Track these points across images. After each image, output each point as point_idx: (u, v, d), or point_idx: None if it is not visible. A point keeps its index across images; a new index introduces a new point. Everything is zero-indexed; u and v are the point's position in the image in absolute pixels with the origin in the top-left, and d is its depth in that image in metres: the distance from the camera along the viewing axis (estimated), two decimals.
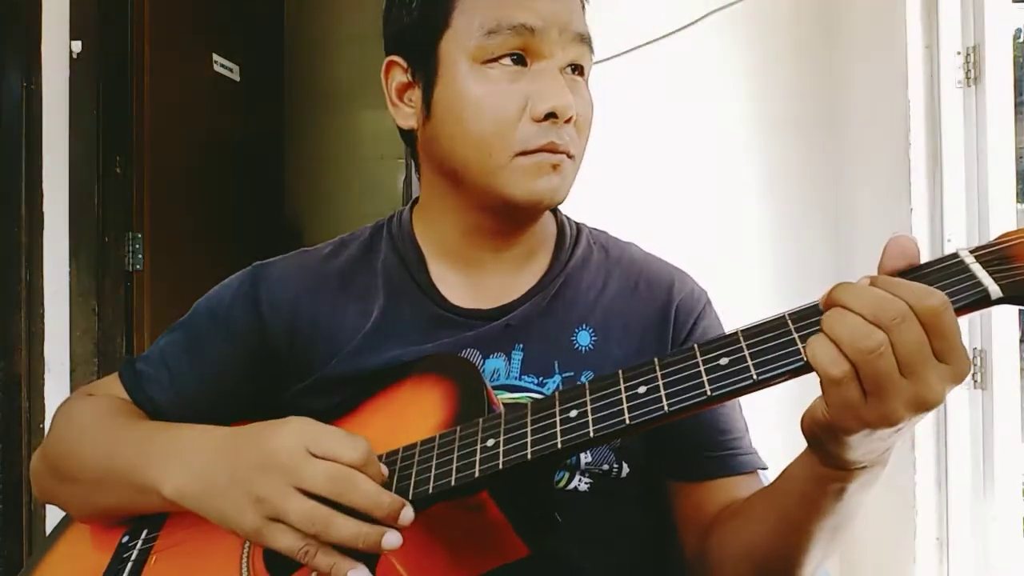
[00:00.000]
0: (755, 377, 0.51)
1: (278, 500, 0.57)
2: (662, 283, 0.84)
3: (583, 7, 0.78)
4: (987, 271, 0.48)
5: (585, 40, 0.75)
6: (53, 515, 1.91)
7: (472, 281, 0.81)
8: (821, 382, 0.49)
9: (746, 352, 0.52)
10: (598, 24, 0.80)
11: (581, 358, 0.78)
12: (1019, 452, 1.53)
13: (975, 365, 1.54)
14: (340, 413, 0.75)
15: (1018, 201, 1.58)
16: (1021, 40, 1.73)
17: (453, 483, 0.57)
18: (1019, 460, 1.54)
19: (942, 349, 0.47)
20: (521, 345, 0.78)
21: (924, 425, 1.58)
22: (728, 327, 0.71)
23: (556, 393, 0.59)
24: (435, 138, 0.76)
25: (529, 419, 0.58)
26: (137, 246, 2.10)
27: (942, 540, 1.59)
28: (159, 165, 2.17)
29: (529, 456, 0.56)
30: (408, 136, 0.81)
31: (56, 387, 2.01)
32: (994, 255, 0.49)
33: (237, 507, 0.59)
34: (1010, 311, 1.49)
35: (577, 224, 0.88)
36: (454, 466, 0.58)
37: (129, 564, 0.73)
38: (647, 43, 1.86)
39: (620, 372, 0.57)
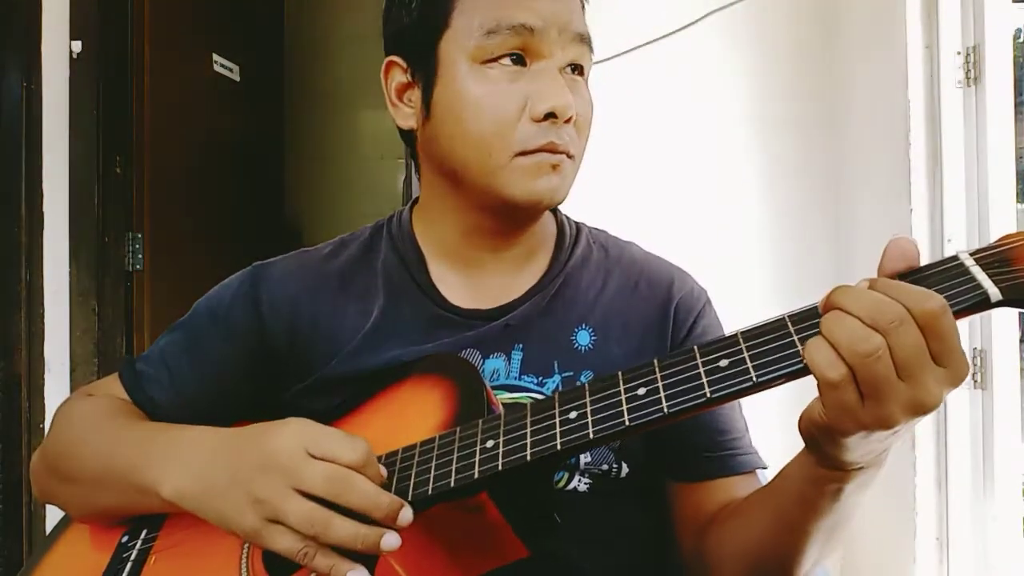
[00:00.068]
0: (755, 379, 0.51)
1: (277, 501, 0.57)
2: (662, 282, 0.84)
3: (583, 7, 0.78)
4: (987, 274, 0.48)
5: (585, 40, 0.75)
6: (53, 515, 1.91)
7: (472, 281, 0.81)
8: (818, 384, 0.49)
9: (746, 354, 0.52)
10: (598, 24, 0.80)
11: (581, 358, 0.78)
12: (1019, 452, 1.53)
13: (975, 365, 1.54)
14: (340, 413, 0.75)
15: (1018, 201, 1.58)
16: (1021, 40, 1.73)
17: (452, 484, 0.57)
18: (1019, 460, 1.54)
19: (940, 352, 0.47)
20: (521, 345, 0.78)
21: (924, 425, 1.58)
22: (728, 327, 0.71)
23: (555, 394, 0.59)
24: (435, 138, 0.76)
25: (528, 420, 0.58)
26: (137, 246, 2.10)
27: (942, 540, 1.59)
28: (159, 165, 2.17)
29: (528, 457, 0.56)
30: (408, 136, 0.81)
31: (56, 387, 2.01)
32: (994, 258, 0.49)
33: (236, 508, 0.59)
34: (1010, 311, 1.49)
35: (577, 224, 0.88)
36: (453, 467, 0.58)
37: (128, 564, 0.73)
38: (647, 43, 1.86)
39: (620, 374, 0.57)
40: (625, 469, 0.76)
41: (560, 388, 0.77)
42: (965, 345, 1.53)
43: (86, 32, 2.01)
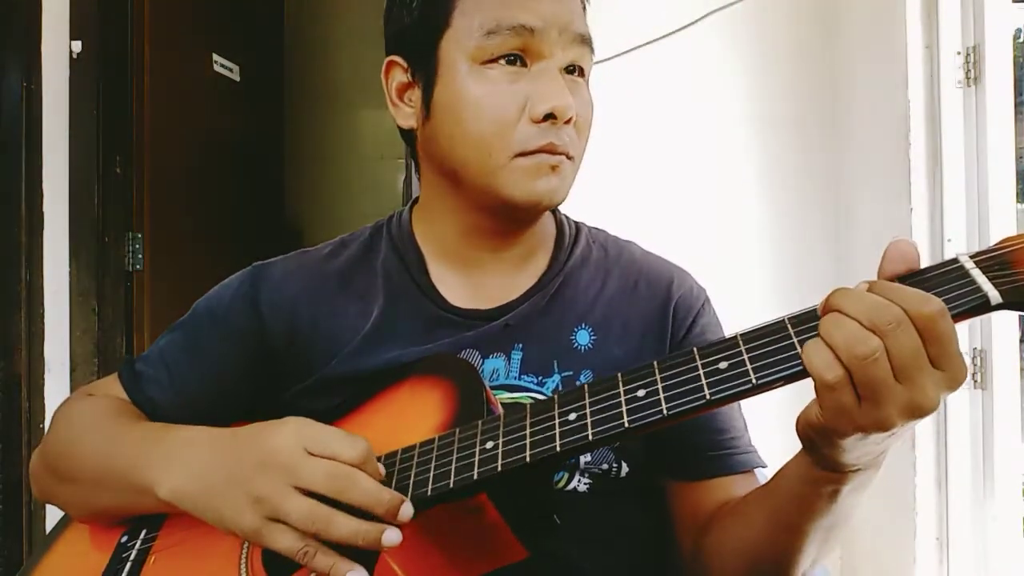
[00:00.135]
0: (754, 381, 0.51)
1: (277, 500, 0.57)
2: (661, 281, 0.84)
3: (584, 8, 0.78)
4: (987, 276, 0.48)
5: (586, 41, 0.75)
6: (53, 515, 1.91)
7: (471, 281, 0.81)
8: (815, 386, 0.49)
9: (745, 356, 0.52)
10: (598, 24, 0.80)
11: (580, 357, 0.78)
12: (1019, 452, 1.53)
13: (975, 365, 1.54)
14: (340, 414, 0.75)
15: (1018, 201, 1.58)
16: (1021, 40, 1.73)
17: (451, 485, 0.57)
18: (1019, 460, 1.54)
19: (937, 356, 0.47)
20: (520, 345, 0.78)
21: (924, 425, 1.58)
22: (728, 327, 0.71)
23: (555, 396, 0.59)
24: (434, 138, 0.76)
25: (528, 421, 0.58)
26: (137, 246, 2.10)
27: (942, 540, 1.59)
28: (159, 165, 2.17)
29: (528, 459, 0.56)
30: (408, 136, 0.81)
31: (56, 387, 2.01)
32: (994, 260, 0.49)
33: (236, 507, 0.59)
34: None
35: (576, 223, 0.88)
36: (452, 468, 0.58)
37: (128, 564, 0.73)
38: (647, 43, 1.86)
39: (619, 375, 0.57)
40: (625, 468, 0.76)
41: (560, 388, 0.77)
42: (965, 345, 1.54)
43: (86, 32, 2.01)
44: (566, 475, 0.74)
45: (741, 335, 0.53)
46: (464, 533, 0.61)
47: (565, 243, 0.84)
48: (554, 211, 0.86)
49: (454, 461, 0.59)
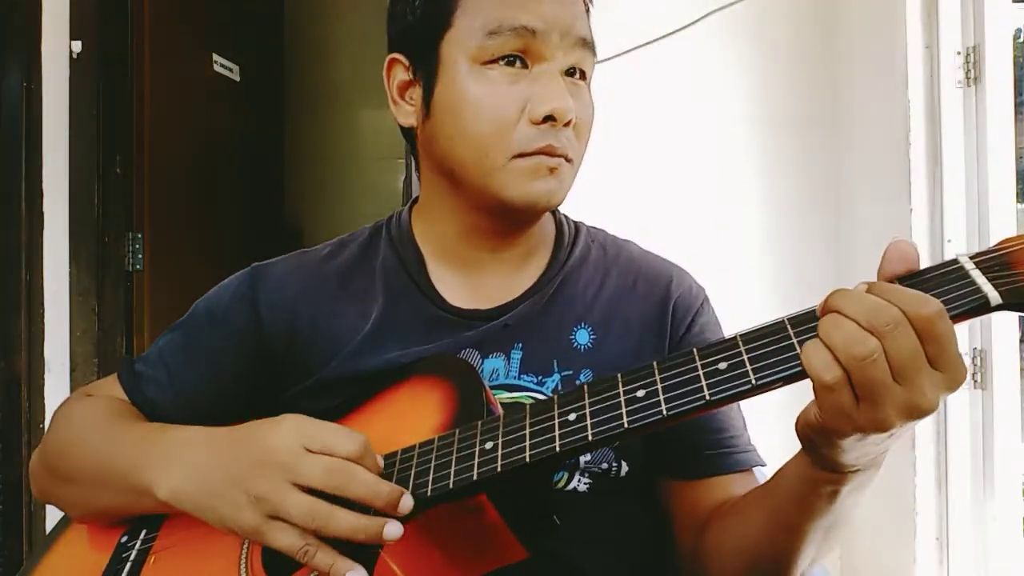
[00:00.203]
0: (754, 382, 0.51)
1: (277, 497, 0.57)
2: (660, 280, 0.84)
3: (587, 11, 0.78)
4: (987, 277, 0.48)
5: (587, 45, 0.75)
6: (53, 515, 1.91)
7: (471, 281, 0.81)
8: (814, 387, 0.49)
9: (745, 357, 0.52)
10: (598, 24, 0.79)
11: (580, 356, 0.78)
12: (1019, 452, 1.53)
13: (975, 365, 1.54)
14: (339, 414, 0.75)
15: (1018, 201, 1.58)
16: (1021, 40, 1.73)
17: (451, 486, 0.57)
18: (1019, 460, 1.54)
19: (936, 357, 0.47)
20: (520, 344, 0.78)
21: (924, 425, 1.58)
22: (728, 326, 0.71)
23: (554, 396, 0.59)
24: (434, 137, 0.76)
25: (527, 422, 0.58)
26: (137, 246, 2.10)
27: (942, 540, 1.59)
28: (159, 165, 2.17)
29: (527, 459, 0.56)
30: (408, 134, 0.81)
31: (56, 387, 2.01)
32: (994, 261, 0.49)
33: (235, 506, 0.59)
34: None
35: (575, 223, 0.88)
36: (452, 468, 0.58)
37: (128, 564, 0.73)
38: (647, 43, 1.86)
39: (619, 375, 0.57)
40: (625, 468, 0.76)
41: (559, 387, 0.77)
42: (965, 345, 1.54)
43: (86, 32, 2.01)
44: (566, 475, 0.74)
45: (741, 336, 0.53)
46: (464, 533, 0.61)
47: (565, 243, 0.84)
48: (554, 211, 0.86)
49: (453, 461, 0.59)
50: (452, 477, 0.58)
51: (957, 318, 0.48)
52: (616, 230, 0.91)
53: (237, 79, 2.56)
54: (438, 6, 0.74)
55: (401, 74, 0.79)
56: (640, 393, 0.54)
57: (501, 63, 0.72)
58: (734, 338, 0.53)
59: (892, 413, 0.47)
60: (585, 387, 0.58)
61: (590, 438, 0.54)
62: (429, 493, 0.58)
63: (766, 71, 1.92)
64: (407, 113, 0.79)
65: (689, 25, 1.87)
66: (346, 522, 0.56)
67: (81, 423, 0.78)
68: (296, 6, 3.21)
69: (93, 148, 2.01)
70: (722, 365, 0.52)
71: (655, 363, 0.55)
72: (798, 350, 0.50)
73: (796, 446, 0.58)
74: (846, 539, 1.86)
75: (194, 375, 0.81)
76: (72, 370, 2.01)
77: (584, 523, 0.73)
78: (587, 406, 0.56)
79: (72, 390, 1.98)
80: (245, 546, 0.69)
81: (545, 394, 0.76)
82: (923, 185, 1.61)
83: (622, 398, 0.55)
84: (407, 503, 0.57)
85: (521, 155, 0.72)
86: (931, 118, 1.60)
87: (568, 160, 0.74)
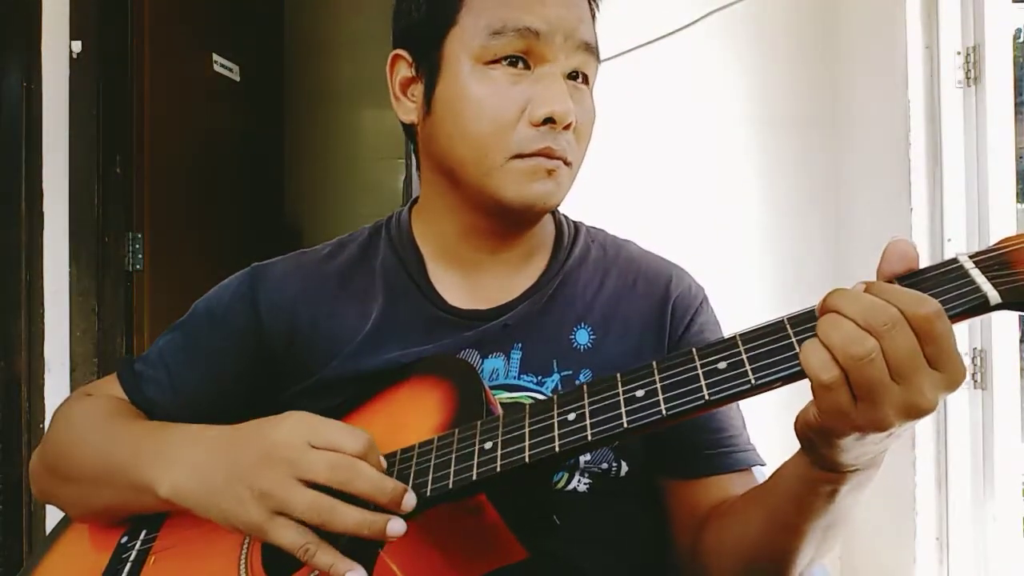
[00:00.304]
0: (753, 382, 0.51)
1: (282, 492, 0.57)
2: (659, 279, 0.84)
3: (593, 17, 0.78)
4: (986, 276, 0.48)
5: (591, 49, 0.75)
6: (53, 515, 1.91)
7: (470, 282, 0.81)
8: (812, 386, 0.49)
9: (744, 356, 0.52)
10: (598, 24, 0.80)
11: (580, 356, 0.78)
12: (1019, 452, 1.53)
13: (975, 365, 1.54)
14: (340, 414, 0.75)
15: (1018, 201, 1.58)
16: (1021, 40, 1.73)
17: (450, 486, 0.57)
18: (1019, 460, 1.54)
19: (935, 356, 0.47)
20: (520, 344, 0.78)
21: (924, 425, 1.58)
22: (727, 326, 0.71)
23: (554, 396, 0.59)
24: (434, 135, 0.76)
25: (527, 422, 0.58)
26: (137, 246, 2.10)
27: (942, 540, 1.59)
28: (159, 165, 2.17)
29: (527, 459, 0.56)
30: (409, 131, 0.82)
31: (56, 387, 2.01)
32: (993, 261, 0.49)
33: (239, 502, 0.59)
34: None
35: (575, 223, 0.89)
36: (451, 469, 0.58)
37: (128, 565, 0.73)
38: (647, 43, 1.86)
39: (618, 375, 0.57)
40: (625, 468, 0.76)
41: (559, 387, 0.77)
42: (965, 345, 1.54)
43: (86, 32, 2.01)
44: (566, 475, 0.74)
45: (740, 335, 0.53)
46: (463, 533, 0.61)
47: (564, 243, 0.84)
48: (553, 212, 0.86)
49: (453, 462, 0.59)
50: (451, 477, 0.58)
51: (957, 317, 0.48)
52: (616, 230, 0.91)
53: (237, 79, 2.56)
54: (443, 4, 0.74)
55: (404, 70, 0.79)
56: (639, 393, 0.54)
57: (503, 63, 0.72)
58: (733, 338, 0.53)
59: (891, 413, 0.47)
60: (584, 387, 0.58)
61: (589, 438, 0.54)
62: (428, 493, 0.58)
63: (766, 71, 1.92)
64: (408, 110, 0.79)
65: (689, 25, 1.87)
66: (350, 517, 0.56)
67: (81, 422, 0.78)
68: (296, 6, 3.21)
69: (93, 148, 2.01)
70: (721, 365, 0.52)
71: (654, 363, 0.55)
72: (797, 350, 0.50)
73: (795, 445, 0.57)
74: (846, 539, 1.86)
75: (194, 375, 0.81)
76: (72, 370, 2.01)
77: (584, 523, 0.73)
78: (586, 406, 0.56)
79: (72, 390, 1.98)
80: (245, 546, 0.69)
81: (545, 394, 0.76)
82: (923, 185, 1.61)
83: (621, 398, 0.55)
84: (410, 500, 0.57)
85: (520, 156, 0.72)
86: (931, 118, 1.60)
87: (567, 163, 0.74)
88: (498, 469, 0.56)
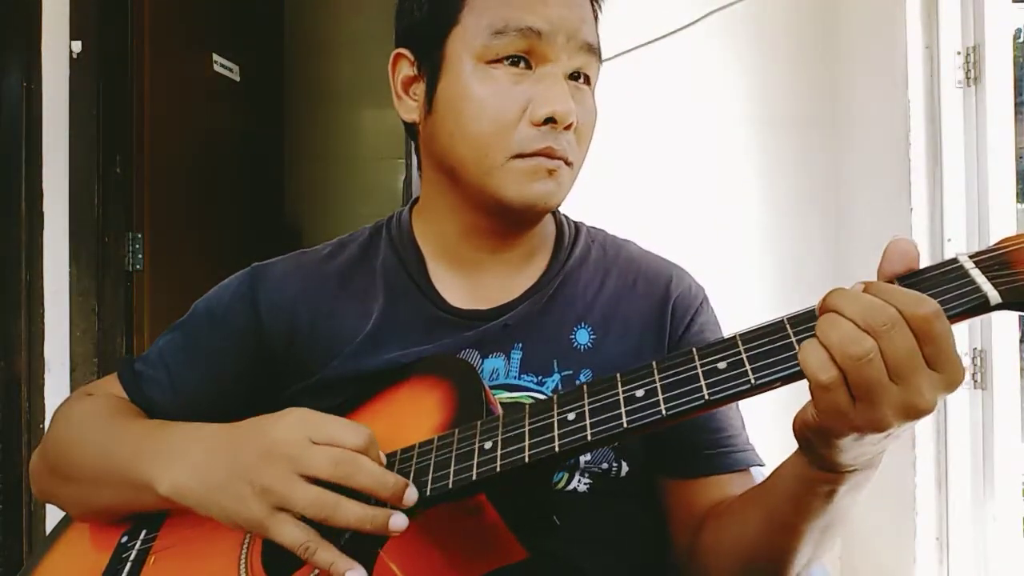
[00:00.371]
0: (753, 382, 0.51)
1: (284, 489, 0.57)
2: (660, 279, 0.84)
3: (596, 18, 0.78)
4: (986, 276, 0.48)
5: (593, 51, 0.75)
6: (53, 515, 1.91)
7: (471, 282, 0.81)
8: (810, 387, 0.49)
9: (744, 356, 0.52)
10: (599, 24, 0.80)
11: (580, 356, 0.78)
12: (1019, 452, 1.53)
13: (975, 365, 1.54)
14: (339, 414, 0.74)
15: (1018, 201, 1.58)
16: (1021, 40, 1.73)
17: (450, 486, 0.57)
18: (1019, 460, 1.54)
19: (933, 357, 0.47)
20: (520, 344, 0.78)
21: (924, 425, 1.58)
22: (727, 326, 0.71)
23: (554, 396, 0.59)
24: (435, 134, 0.76)
25: (527, 422, 0.58)
26: (137, 246, 2.10)
27: (942, 540, 1.59)
28: (159, 165, 2.17)
29: (527, 459, 0.56)
30: (411, 130, 0.82)
31: (56, 387, 2.01)
32: (994, 260, 0.49)
33: (241, 499, 0.59)
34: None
35: (576, 223, 0.89)
36: (451, 468, 0.58)
37: (128, 564, 0.73)
38: (647, 43, 1.86)
39: (618, 375, 0.57)
40: (625, 468, 0.76)
41: (559, 387, 0.77)
42: (965, 345, 1.54)
43: (86, 32, 2.01)
44: (566, 475, 0.74)
45: (740, 335, 0.53)
46: (463, 533, 0.61)
47: (565, 243, 0.84)
48: (554, 212, 0.86)
49: (453, 461, 0.59)
50: (451, 477, 0.58)
51: (957, 317, 0.48)
52: (616, 230, 0.91)
53: (237, 79, 2.56)
54: (446, 4, 0.74)
55: (406, 69, 0.79)
56: (639, 393, 0.54)
57: (505, 63, 0.72)
58: (733, 338, 0.53)
59: (889, 413, 0.47)
60: (584, 387, 0.58)
61: (589, 438, 0.54)
62: (428, 493, 0.58)
63: (766, 71, 1.92)
64: (410, 108, 0.79)
65: (689, 25, 1.87)
66: (352, 512, 0.56)
67: (81, 421, 0.78)
68: (296, 6, 3.22)
69: (93, 148, 2.01)
70: (721, 365, 0.52)
71: (654, 363, 0.55)
72: (797, 350, 0.50)
73: (794, 446, 0.57)
74: (846, 539, 1.86)
75: (194, 375, 0.81)
76: (72, 370, 2.01)
77: (584, 523, 0.73)
78: (586, 406, 0.56)
79: (72, 390, 1.98)
80: (245, 546, 0.69)
81: (545, 394, 0.76)
82: (923, 185, 1.61)
83: (621, 398, 0.55)
84: (412, 494, 0.57)
85: (520, 155, 0.72)
86: (931, 118, 1.60)
87: (568, 163, 0.74)
88: (498, 469, 0.56)
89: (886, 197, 1.71)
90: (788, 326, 0.51)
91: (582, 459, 0.75)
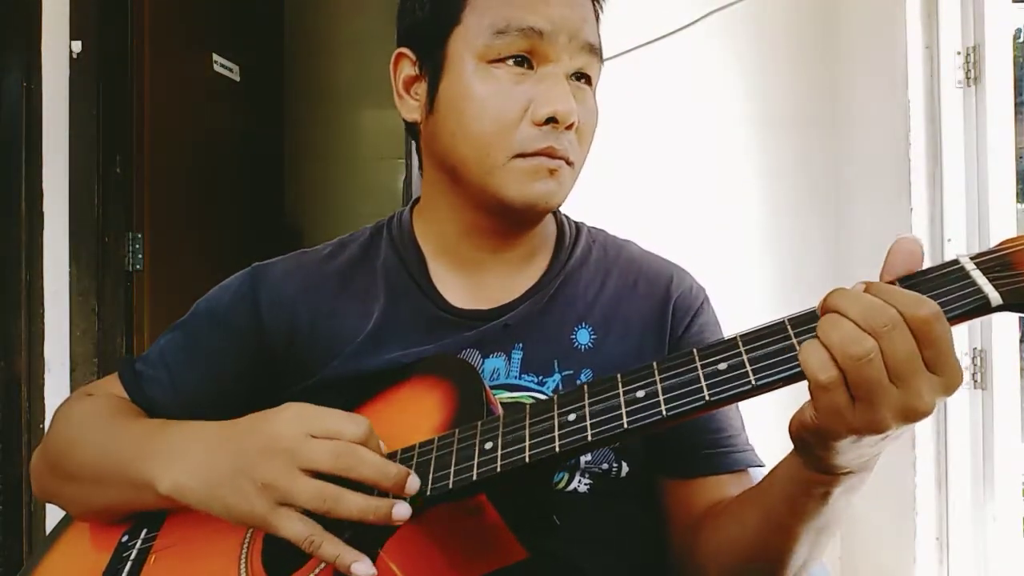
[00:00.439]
0: (753, 383, 0.51)
1: (286, 483, 0.57)
2: (660, 280, 0.84)
3: (597, 18, 0.78)
4: (987, 278, 0.48)
5: (594, 51, 0.75)
6: (53, 515, 1.91)
7: (471, 282, 0.81)
8: (810, 387, 0.49)
9: (745, 357, 0.52)
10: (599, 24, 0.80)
11: (581, 356, 0.78)
12: (1019, 452, 1.53)
13: (975, 365, 1.54)
14: None
15: (1018, 201, 1.58)
16: (1021, 40, 1.73)
17: (450, 486, 0.57)
18: (1019, 460, 1.54)
19: (932, 359, 0.47)
20: (520, 344, 0.78)
21: (924, 425, 1.58)
22: (727, 326, 0.71)
23: (554, 396, 0.59)
24: (436, 133, 0.76)
25: (527, 422, 0.58)
26: (137, 246, 2.10)
27: (942, 540, 1.59)
28: (159, 165, 2.17)
29: (527, 459, 0.56)
30: (412, 129, 0.82)
31: (56, 387, 2.01)
32: (995, 262, 0.49)
33: (243, 495, 0.59)
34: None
35: (576, 223, 0.89)
36: (451, 468, 0.58)
37: (128, 564, 0.73)
38: (647, 43, 1.86)
39: (619, 376, 0.57)
40: (625, 468, 0.76)
41: (560, 387, 0.77)
42: (965, 345, 1.54)
43: (86, 32, 2.01)
44: (566, 476, 0.74)
45: (741, 336, 0.53)
46: (463, 533, 0.61)
47: (566, 243, 0.85)
48: (555, 212, 0.86)
49: (453, 462, 0.59)
50: (451, 477, 0.58)
51: (958, 318, 0.48)
52: (616, 230, 0.91)
53: (237, 79, 2.56)
54: (448, 3, 0.74)
55: (408, 69, 0.79)
56: (640, 393, 0.54)
57: (507, 63, 0.72)
58: (734, 338, 0.53)
59: (888, 414, 0.47)
60: (585, 387, 0.58)
61: (589, 438, 0.54)
62: (428, 493, 0.58)
63: (766, 71, 1.92)
64: (411, 108, 0.79)
65: (689, 25, 1.86)
66: (355, 504, 0.56)
67: (82, 421, 0.78)
68: (296, 6, 3.22)
69: (93, 148, 2.01)
70: (722, 366, 0.52)
71: (655, 363, 0.55)
72: (798, 351, 0.50)
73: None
74: (846, 539, 1.86)
75: (195, 375, 0.81)
76: (72, 370, 2.01)
77: (584, 523, 0.73)
78: (587, 406, 0.56)
79: (72, 390, 1.98)
80: (245, 545, 0.69)
81: (545, 394, 0.76)
82: (923, 185, 1.61)
83: (622, 398, 0.55)
84: (414, 483, 0.57)
85: (522, 155, 0.72)
86: (931, 118, 1.60)
87: (569, 163, 0.74)
88: (498, 469, 0.56)
89: (886, 197, 1.71)
90: (789, 327, 0.51)
91: (582, 459, 0.75)
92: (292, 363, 0.80)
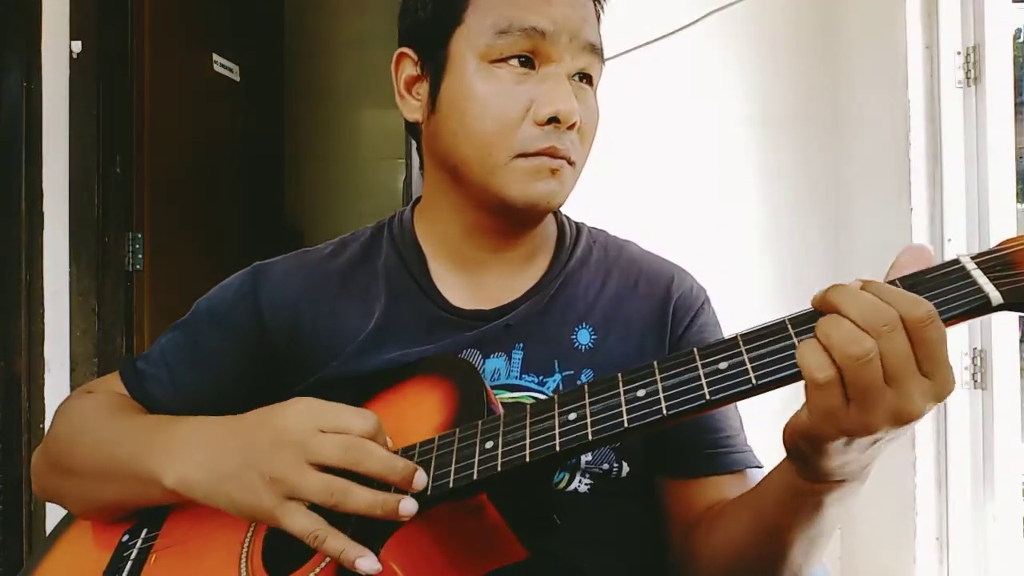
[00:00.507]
0: (754, 382, 0.51)
1: (294, 477, 0.57)
2: (661, 280, 0.84)
3: (598, 18, 0.78)
4: (988, 277, 0.48)
5: (596, 51, 0.75)
6: (53, 515, 1.91)
7: (472, 282, 0.81)
8: (806, 386, 0.49)
9: (745, 357, 0.52)
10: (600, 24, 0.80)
11: (581, 356, 0.78)
12: (1019, 452, 1.53)
13: (975, 365, 1.54)
14: None
15: (1018, 201, 1.58)
16: (1021, 40, 1.73)
17: (451, 485, 0.58)
18: (1019, 460, 1.54)
19: (925, 361, 0.47)
20: (521, 344, 0.78)
21: (924, 425, 1.58)
22: (727, 326, 0.71)
23: (555, 396, 0.59)
24: (438, 133, 0.76)
25: (528, 421, 0.58)
26: (137, 246, 2.10)
27: (942, 540, 1.59)
28: (159, 165, 2.17)
29: (528, 458, 0.56)
30: (413, 129, 0.82)
31: (56, 387, 2.01)
32: (995, 261, 0.49)
33: (250, 489, 0.59)
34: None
35: (577, 224, 0.89)
36: (452, 468, 0.58)
37: (129, 563, 0.73)
38: (647, 43, 1.86)
39: (619, 375, 0.57)
40: (626, 468, 0.76)
41: (561, 387, 0.77)
42: (965, 345, 1.54)
43: (86, 32, 2.01)
44: (567, 475, 0.75)
45: (741, 335, 0.53)
46: (464, 533, 0.61)
47: (566, 244, 0.85)
48: (555, 212, 0.86)
49: (454, 461, 0.59)
50: (452, 476, 0.58)
51: (959, 318, 0.48)
52: (616, 230, 0.91)
53: (237, 79, 2.56)
54: (450, 3, 0.75)
55: (409, 68, 0.79)
56: (640, 393, 0.54)
57: (509, 62, 0.72)
58: (735, 338, 0.53)
59: (880, 417, 0.47)
60: (585, 387, 0.58)
61: (590, 438, 0.54)
62: (429, 492, 0.58)
63: (766, 71, 1.92)
64: (413, 108, 0.79)
65: (689, 25, 1.86)
66: (363, 498, 0.56)
67: (83, 417, 0.78)
68: (296, 6, 3.22)
69: (93, 148, 2.01)
70: (722, 365, 0.52)
71: (655, 363, 0.56)
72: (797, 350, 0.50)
73: None
74: (846, 539, 1.86)
75: (195, 374, 0.81)
76: (72, 370, 2.01)
77: (585, 523, 0.73)
78: (587, 406, 0.56)
79: (72, 390, 1.98)
80: (245, 545, 0.69)
81: (546, 394, 0.76)
82: (923, 185, 1.61)
83: (622, 398, 0.55)
84: (421, 478, 0.57)
85: (523, 155, 0.72)
86: (931, 118, 1.60)
87: (571, 163, 0.74)
88: (499, 468, 0.56)
89: (886, 197, 1.71)
90: (789, 326, 0.52)
91: (583, 459, 0.75)
92: (292, 362, 0.80)
